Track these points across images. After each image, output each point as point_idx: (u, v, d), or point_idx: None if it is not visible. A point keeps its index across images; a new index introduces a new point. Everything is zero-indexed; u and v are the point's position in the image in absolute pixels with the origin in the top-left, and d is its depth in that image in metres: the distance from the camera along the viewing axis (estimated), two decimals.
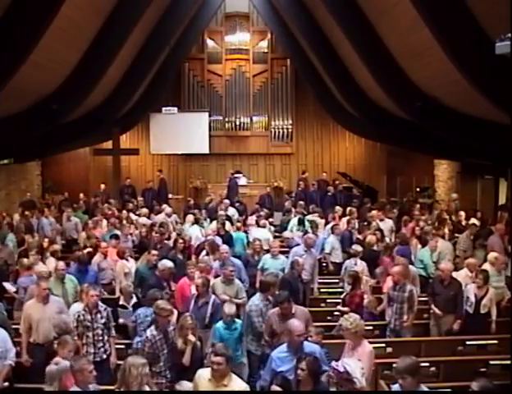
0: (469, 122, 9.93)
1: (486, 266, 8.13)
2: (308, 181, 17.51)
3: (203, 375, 4.70)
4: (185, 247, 9.44)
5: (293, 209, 13.27)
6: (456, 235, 11.16)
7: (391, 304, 7.21)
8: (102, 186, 16.25)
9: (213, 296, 6.88)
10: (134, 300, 7.32)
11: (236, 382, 4.64)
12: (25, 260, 8.32)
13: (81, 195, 15.26)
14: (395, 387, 4.52)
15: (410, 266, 8.42)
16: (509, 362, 5.86)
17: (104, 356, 6.06)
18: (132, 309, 7.09)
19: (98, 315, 6.10)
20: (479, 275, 7.48)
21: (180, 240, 9.33)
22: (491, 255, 8.30)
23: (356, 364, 4.87)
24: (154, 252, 8.34)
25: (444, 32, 7.36)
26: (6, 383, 5.46)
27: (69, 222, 12.23)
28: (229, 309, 6.13)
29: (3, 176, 15.12)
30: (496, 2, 6.29)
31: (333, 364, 4.66)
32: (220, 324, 6.17)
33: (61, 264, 7.52)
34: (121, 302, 7.28)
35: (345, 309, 7.43)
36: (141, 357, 4.58)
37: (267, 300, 6.48)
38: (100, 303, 6.27)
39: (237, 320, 6.25)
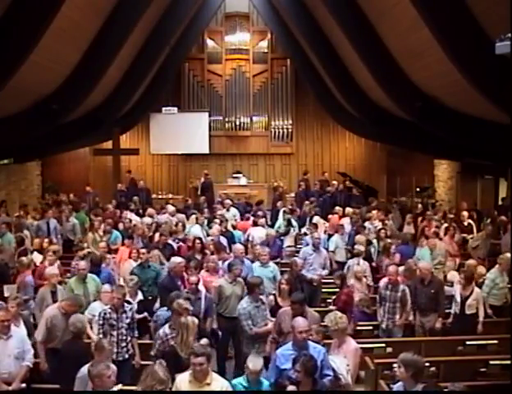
0: (469, 122, 9.94)
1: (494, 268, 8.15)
2: (310, 182, 17.52)
3: (183, 379, 4.61)
4: (203, 247, 9.43)
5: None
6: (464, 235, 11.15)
7: (383, 304, 7.25)
8: (88, 188, 15.92)
9: (204, 291, 6.91)
10: (140, 297, 7.28)
11: (218, 381, 4.61)
12: (25, 259, 8.31)
13: (71, 196, 15.31)
14: (396, 387, 4.55)
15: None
16: (509, 362, 5.85)
17: (126, 356, 6.04)
18: (136, 306, 7.07)
19: (124, 315, 6.10)
20: (462, 274, 7.51)
21: (198, 241, 9.33)
22: (502, 255, 8.30)
23: (341, 360, 5.00)
24: (143, 251, 8.25)
25: (444, 32, 7.36)
26: (24, 385, 5.42)
27: (67, 222, 12.19)
28: (254, 364, 4.74)
29: (3, 176, 15.11)
30: (496, 2, 6.29)
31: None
32: (240, 381, 4.87)
33: (83, 264, 7.41)
34: (126, 298, 7.23)
35: (334, 308, 7.44)
36: (162, 364, 4.50)
37: (257, 301, 6.42)
38: (126, 303, 6.27)
39: (264, 380, 4.89)
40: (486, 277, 7.99)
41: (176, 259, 7.78)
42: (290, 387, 4.61)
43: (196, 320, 5.54)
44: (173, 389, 4.59)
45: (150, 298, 7.70)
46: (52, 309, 6.21)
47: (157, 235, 10.35)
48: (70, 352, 5.36)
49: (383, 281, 7.45)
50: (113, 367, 4.64)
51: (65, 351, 5.59)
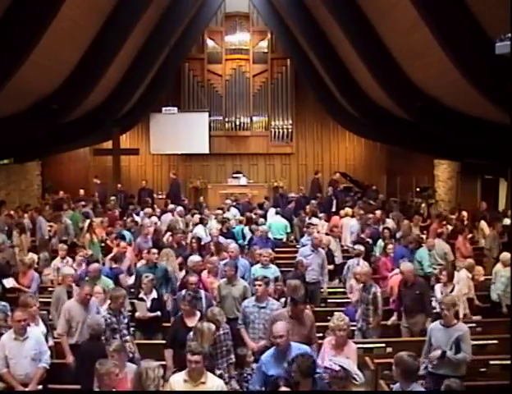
0: (469, 122, 9.94)
1: (499, 266, 8.21)
2: (320, 182, 17.49)
3: (177, 379, 4.59)
4: (200, 246, 9.42)
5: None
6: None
7: (360, 305, 7.22)
8: (82, 192, 15.85)
9: (203, 291, 6.90)
10: (154, 295, 7.24)
11: (213, 379, 4.60)
12: (27, 259, 8.31)
13: (61, 193, 15.39)
14: (396, 387, 4.55)
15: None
16: (509, 362, 5.85)
17: (130, 355, 6.00)
18: (150, 304, 7.06)
19: (121, 316, 6.14)
20: (443, 272, 7.46)
21: (194, 240, 9.34)
22: (504, 255, 8.31)
23: (348, 361, 4.89)
24: (154, 250, 8.24)
25: (444, 32, 7.36)
26: (40, 386, 5.43)
27: (60, 224, 12.13)
28: None
29: (3, 176, 15.12)
30: (496, 2, 6.29)
31: (326, 363, 4.64)
32: None
33: (95, 266, 7.42)
34: (141, 295, 7.22)
35: None
36: (153, 360, 4.55)
37: (263, 303, 6.26)
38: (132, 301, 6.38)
39: None
40: (502, 275, 7.99)
41: (195, 258, 7.84)
42: (283, 389, 4.59)
43: (213, 327, 5.41)
44: (167, 389, 4.58)
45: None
46: (70, 302, 6.40)
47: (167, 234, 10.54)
48: (88, 352, 5.37)
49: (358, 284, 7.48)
50: (134, 366, 4.70)
51: (83, 351, 5.61)
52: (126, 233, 10.63)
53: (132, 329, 6.60)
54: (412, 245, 9.58)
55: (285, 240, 12.30)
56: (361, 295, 7.25)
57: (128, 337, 6.11)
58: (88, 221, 12.01)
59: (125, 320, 6.15)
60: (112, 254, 9.08)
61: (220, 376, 5.12)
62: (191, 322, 5.84)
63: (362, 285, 7.33)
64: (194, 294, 6.25)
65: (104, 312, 6.31)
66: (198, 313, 6.02)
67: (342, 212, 12.82)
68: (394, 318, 7.45)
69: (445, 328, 5.62)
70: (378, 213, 12.35)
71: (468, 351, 5.49)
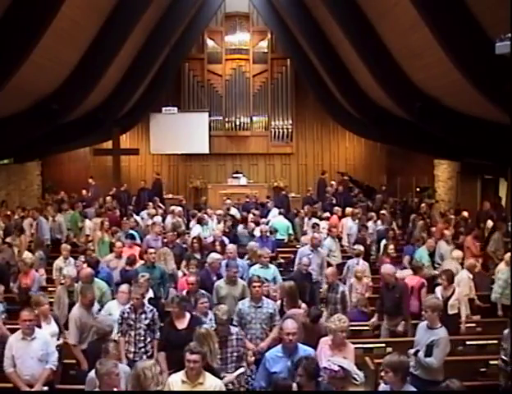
0: (469, 122, 9.95)
1: (502, 265, 8.22)
2: (327, 182, 17.50)
3: (175, 379, 4.57)
4: (201, 246, 9.43)
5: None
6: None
7: (327, 306, 7.20)
8: (84, 192, 15.85)
9: (203, 291, 6.89)
10: (151, 294, 7.25)
11: (211, 380, 4.57)
12: (28, 259, 8.30)
13: (62, 193, 15.36)
14: (382, 388, 4.52)
15: None
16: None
17: (144, 357, 5.96)
18: (147, 302, 7.07)
19: (143, 315, 6.10)
20: (442, 275, 7.44)
21: (195, 240, 9.34)
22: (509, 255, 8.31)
23: (346, 361, 4.88)
24: (151, 250, 8.16)
25: (444, 32, 7.37)
26: (46, 387, 5.41)
27: (53, 222, 12.15)
28: None
29: (3, 176, 15.12)
30: (496, 2, 6.29)
31: (324, 364, 4.63)
32: None
33: (87, 272, 7.39)
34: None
35: None
36: (148, 359, 4.54)
37: (258, 303, 6.23)
38: (147, 304, 6.29)
39: None
40: (499, 278, 7.99)
41: (215, 255, 7.89)
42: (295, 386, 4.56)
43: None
44: (165, 389, 4.57)
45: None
46: (76, 309, 6.32)
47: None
48: (95, 353, 5.34)
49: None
50: (124, 366, 4.68)
51: (90, 352, 5.61)
52: (135, 233, 10.62)
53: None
54: (419, 242, 9.68)
55: (286, 240, 12.29)
56: (327, 295, 7.24)
57: (146, 338, 6.04)
58: (86, 220, 12.06)
59: (146, 321, 6.08)
60: (112, 256, 9.05)
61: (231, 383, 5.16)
62: (181, 325, 5.81)
63: (327, 286, 7.32)
64: (182, 296, 6.25)
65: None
66: (188, 315, 5.93)
67: (339, 212, 12.78)
68: (374, 319, 7.42)
69: (427, 329, 5.63)
70: (385, 212, 12.35)
71: (437, 358, 5.42)
